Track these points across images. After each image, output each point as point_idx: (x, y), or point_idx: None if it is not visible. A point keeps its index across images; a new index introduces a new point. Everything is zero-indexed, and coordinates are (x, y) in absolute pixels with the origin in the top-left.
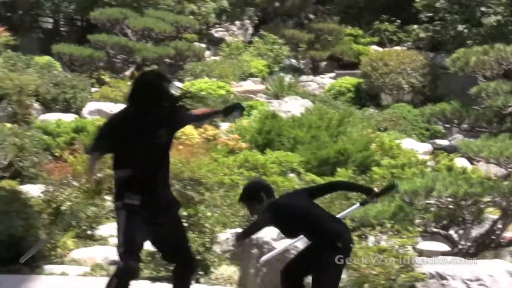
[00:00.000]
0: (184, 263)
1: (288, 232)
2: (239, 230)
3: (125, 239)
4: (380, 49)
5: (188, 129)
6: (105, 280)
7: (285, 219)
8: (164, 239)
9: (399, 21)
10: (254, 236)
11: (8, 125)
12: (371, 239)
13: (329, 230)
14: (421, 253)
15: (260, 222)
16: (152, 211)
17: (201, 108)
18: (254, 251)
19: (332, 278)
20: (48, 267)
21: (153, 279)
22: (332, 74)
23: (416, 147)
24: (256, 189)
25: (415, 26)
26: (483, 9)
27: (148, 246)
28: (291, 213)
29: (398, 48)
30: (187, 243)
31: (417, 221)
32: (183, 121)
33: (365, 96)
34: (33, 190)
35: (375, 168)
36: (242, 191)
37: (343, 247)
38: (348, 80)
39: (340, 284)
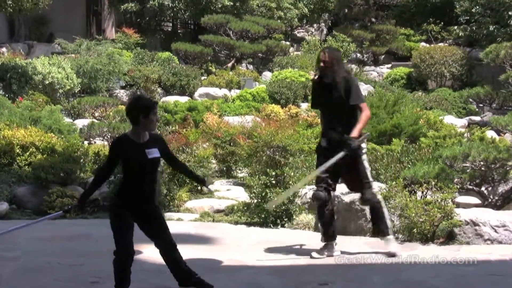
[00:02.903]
0: None
1: None
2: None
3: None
4: (427, 45)
5: (276, 108)
6: (211, 224)
7: None
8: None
9: (442, 23)
10: None
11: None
12: (419, 194)
13: None
14: (458, 205)
15: None
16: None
17: None
18: None
19: None
20: (167, 214)
21: (248, 224)
22: (389, 65)
23: (455, 122)
24: (133, 109)
25: (455, 27)
26: (510, 13)
27: (244, 197)
28: None
29: (441, 44)
30: None
31: (455, 180)
32: None
33: (415, 82)
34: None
35: (422, 139)
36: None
37: None
38: (402, 70)
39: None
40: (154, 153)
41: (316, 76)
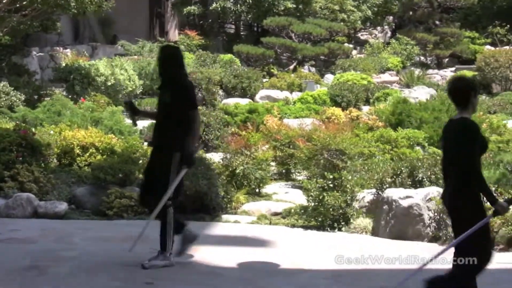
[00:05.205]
0: None
1: None
2: (373, 191)
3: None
4: (492, 48)
5: (337, 111)
6: (267, 227)
7: None
8: None
9: (508, 25)
10: (384, 195)
11: (199, 107)
12: None
13: None
14: None
15: None
16: None
17: None
18: (385, 207)
19: None
20: (224, 217)
21: (305, 227)
22: (453, 68)
23: None
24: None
25: None
26: None
27: (302, 200)
28: None
29: (507, 47)
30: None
31: None
32: None
33: (479, 86)
34: (215, 157)
35: None
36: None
37: None
38: (466, 73)
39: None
40: None
41: None
